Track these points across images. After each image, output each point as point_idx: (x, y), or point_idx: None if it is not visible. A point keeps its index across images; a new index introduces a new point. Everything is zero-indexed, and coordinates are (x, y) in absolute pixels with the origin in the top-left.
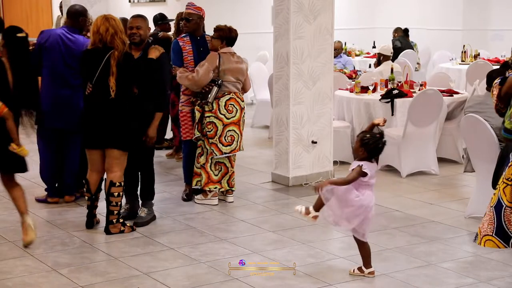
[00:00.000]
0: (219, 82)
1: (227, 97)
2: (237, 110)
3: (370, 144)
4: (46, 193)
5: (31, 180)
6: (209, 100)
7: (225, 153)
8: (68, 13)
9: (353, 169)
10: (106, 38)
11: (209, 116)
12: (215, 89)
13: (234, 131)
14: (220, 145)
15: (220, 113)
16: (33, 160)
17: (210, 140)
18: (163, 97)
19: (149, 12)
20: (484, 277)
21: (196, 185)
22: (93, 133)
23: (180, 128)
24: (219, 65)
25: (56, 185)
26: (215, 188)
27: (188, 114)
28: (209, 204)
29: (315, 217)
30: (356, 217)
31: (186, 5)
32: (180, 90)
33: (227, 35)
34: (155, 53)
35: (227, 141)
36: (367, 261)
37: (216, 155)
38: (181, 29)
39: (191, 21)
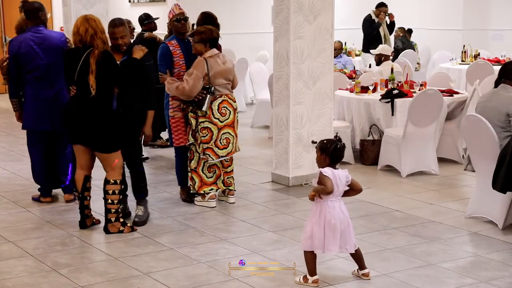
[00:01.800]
0: (211, 89)
1: (219, 100)
2: (230, 112)
3: (328, 148)
4: (39, 192)
5: (30, 180)
6: (204, 109)
7: (222, 156)
8: (29, 12)
9: (317, 182)
10: (86, 38)
11: (203, 121)
12: (208, 97)
13: (229, 133)
14: (216, 149)
15: (214, 117)
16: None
17: (205, 145)
18: (151, 95)
19: (149, 12)
20: (484, 277)
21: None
22: (76, 129)
23: (172, 134)
24: (208, 71)
25: (52, 185)
26: (211, 190)
27: (181, 120)
28: (207, 206)
29: (316, 281)
30: (335, 239)
31: (178, 6)
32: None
33: (209, 37)
34: (138, 53)
35: (223, 144)
36: (361, 264)
37: (213, 159)
38: (178, 30)
39: (187, 21)
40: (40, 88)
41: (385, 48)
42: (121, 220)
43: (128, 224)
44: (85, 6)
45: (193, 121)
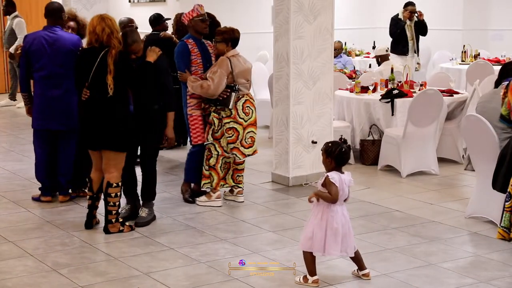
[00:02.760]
0: (236, 87)
1: (242, 100)
2: (252, 111)
3: (334, 151)
4: (39, 192)
5: (31, 180)
6: (230, 107)
7: (248, 155)
8: (50, 11)
9: (322, 184)
10: (102, 37)
11: (228, 122)
12: (233, 95)
13: (253, 131)
14: (242, 148)
15: (240, 117)
16: (33, 160)
17: (232, 145)
18: (169, 97)
19: (149, 12)
20: (484, 277)
21: (202, 187)
22: (92, 134)
23: (190, 132)
24: (232, 70)
25: (51, 185)
26: (222, 185)
27: (199, 117)
28: (213, 206)
29: (315, 281)
30: (334, 243)
31: (202, 6)
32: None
33: (231, 37)
34: (152, 56)
35: (248, 142)
36: (360, 265)
37: (240, 158)
38: (201, 30)
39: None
40: (47, 88)
41: (378, 49)
42: (121, 220)
43: (127, 224)
44: (85, 6)
45: (216, 121)
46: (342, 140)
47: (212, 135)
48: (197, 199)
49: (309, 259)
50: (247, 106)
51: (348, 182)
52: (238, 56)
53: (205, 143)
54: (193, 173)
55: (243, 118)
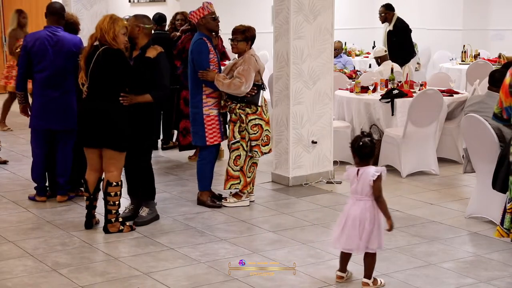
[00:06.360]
0: (263, 85)
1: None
2: (268, 110)
3: (353, 146)
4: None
5: (31, 180)
6: (260, 105)
7: (265, 153)
8: (52, 11)
9: None
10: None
11: (254, 119)
12: (261, 92)
13: (268, 130)
14: (261, 146)
15: (264, 114)
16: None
17: (254, 142)
18: (163, 91)
19: (149, 12)
20: (484, 277)
21: (230, 188)
22: (91, 132)
23: (205, 132)
24: (258, 68)
25: (47, 185)
26: (250, 189)
27: (216, 117)
28: (241, 205)
29: (338, 276)
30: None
31: (211, 4)
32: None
33: (252, 35)
34: (152, 52)
35: (265, 141)
36: (366, 273)
37: (259, 156)
38: (213, 28)
39: None
40: (47, 88)
41: (377, 51)
42: (120, 219)
43: (127, 224)
44: (85, 6)
45: (244, 117)
46: (364, 133)
47: (239, 132)
48: (223, 201)
49: (341, 254)
50: (266, 104)
51: (368, 175)
52: (257, 55)
53: (232, 142)
54: (209, 180)
55: (265, 115)
